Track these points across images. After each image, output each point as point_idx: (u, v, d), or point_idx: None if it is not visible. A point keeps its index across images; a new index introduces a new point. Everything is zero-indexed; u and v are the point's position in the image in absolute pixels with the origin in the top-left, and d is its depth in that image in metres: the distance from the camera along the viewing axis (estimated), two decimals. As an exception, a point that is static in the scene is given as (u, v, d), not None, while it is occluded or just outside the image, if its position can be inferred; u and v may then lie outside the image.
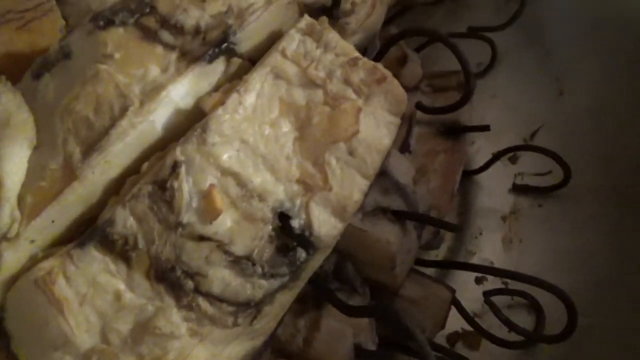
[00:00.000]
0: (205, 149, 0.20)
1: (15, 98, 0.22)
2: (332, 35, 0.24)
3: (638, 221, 0.32)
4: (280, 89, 0.23)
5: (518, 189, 0.39)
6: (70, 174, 0.21)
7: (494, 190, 0.41)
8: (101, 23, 0.22)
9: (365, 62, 0.24)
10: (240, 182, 0.21)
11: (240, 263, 0.20)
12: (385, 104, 0.24)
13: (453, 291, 0.32)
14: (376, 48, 0.31)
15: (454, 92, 0.40)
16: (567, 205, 0.36)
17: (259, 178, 0.21)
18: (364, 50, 0.30)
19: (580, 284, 0.33)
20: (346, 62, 0.24)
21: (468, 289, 0.36)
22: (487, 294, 0.32)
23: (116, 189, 0.21)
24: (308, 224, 0.21)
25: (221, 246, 0.20)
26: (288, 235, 0.21)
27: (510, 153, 0.38)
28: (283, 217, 0.21)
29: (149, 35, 0.23)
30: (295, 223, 0.21)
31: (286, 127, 0.23)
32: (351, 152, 0.23)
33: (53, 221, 0.20)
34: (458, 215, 0.40)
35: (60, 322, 0.19)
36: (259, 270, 0.21)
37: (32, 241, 0.20)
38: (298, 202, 0.22)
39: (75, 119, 0.21)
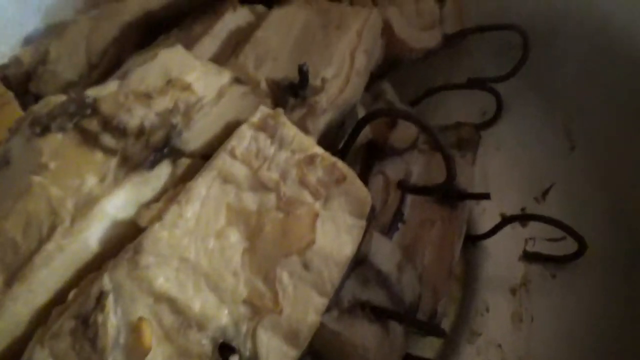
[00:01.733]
0: (137, 273, 0.19)
1: None
2: (287, 130, 0.23)
3: None
4: (228, 195, 0.22)
5: (529, 257, 0.37)
6: None
7: (502, 258, 0.38)
8: (37, 130, 0.21)
9: (324, 159, 0.23)
10: (177, 310, 0.20)
11: None
12: (346, 206, 0.23)
13: None
14: (357, 117, 0.30)
15: (454, 150, 0.38)
16: (583, 276, 0.34)
17: (200, 301, 0.20)
18: (341, 123, 0.28)
19: None
20: (302, 159, 0.23)
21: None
22: None
23: (44, 319, 0.20)
24: (254, 355, 0.20)
25: None
26: None
27: (521, 221, 0.36)
28: (224, 351, 0.19)
29: (89, 140, 0.22)
30: (235, 359, 0.19)
31: (234, 237, 0.22)
32: (306, 266, 0.21)
33: None
34: (462, 288, 0.38)
35: None
36: None
37: None
38: (244, 328, 0.20)
39: (3, 242, 0.20)
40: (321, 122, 0.27)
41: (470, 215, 0.39)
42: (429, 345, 0.35)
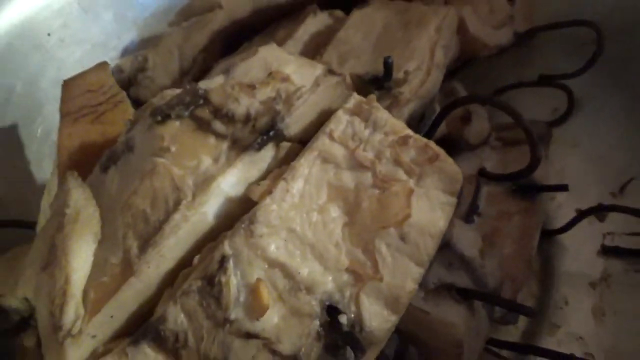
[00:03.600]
0: (253, 241, 0.22)
1: (84, 193, 0.25)
2: (381, 114, 0.25)
3: None
4: (328, 173, 0.24)
5: (608, 252, 0.37)
6: (128, 269, 0.23)
7: (580, 252, 0.39)
8: (159, 118, 0.25)
9: (416, 139, 0.25)
10: (288, 274, 0.22)
11: None
12: (439, 183, 0.25)
13: None
14: (435, 112, 0.33)
15: (526, 145, 0.40)
16: None
17: (307, 268, 0.22)
18: (421, 116, 0.31)
19: None
20: (396, 141, 0.25)
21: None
22: None
23: (171, 281, 0.23)
24: (358, 318, 0.22)
25: (268, 344, 0.21)
26: (337, 332, 0.22)
27: (598, 212, 0.36)
28: (331, 311, 0.22)
29: (203, 126, 0.25)
30: (344, 319, 0.22)
31: (335, 212, 0.24)
32: (403, 238, 0.23)
33: (112, 316, 0.22)
34: (540, 282, 0.39)
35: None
36: None
37: (94, 336, 0.22)
38: (348, 293, 0.22)
39: (134, 214, 0.23)
40: (405, 112, 0.30)
41: (546, 211, 0.40)
42: (507, 336, 0.36)
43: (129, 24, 0.41)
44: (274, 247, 0.22)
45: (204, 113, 0.25)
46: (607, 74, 0.40)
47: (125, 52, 0.41)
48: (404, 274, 0.23)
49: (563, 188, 0.36)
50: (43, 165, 0.37)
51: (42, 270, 0.24)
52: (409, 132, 0.25)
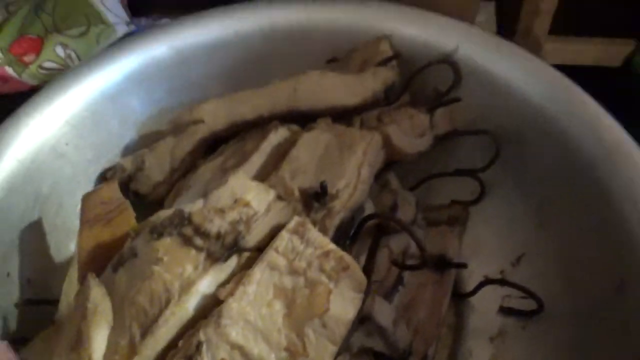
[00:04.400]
0: (220, 330, 0.31)
1: (101, 291, 0.34)
2: (312, 233, 0.35)
3: (607, 343, 0.38)
4: (274, 278, 0.33)
5: (504, 312, 0.46)
6: (133, 350, 0.31)
7: (484, 311, 0.47)
8: (155, 235, 0.34)
9: (335, 253, 0.34)
10: (244, 353, 0.31)
11: None
12: (350, 285, 0.34)
13: None
14: (363, 212, 0.42)
15: (444, 226, 0.50)
16: (547, 328, 0.43)
17: (257, 349, 0.31)
18: (351, 219, 0.40)
19: None
20: (321, 254, 0.34)
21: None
22: None
23: (163, 358, 0.32)
24: None
25: None
26: None
27: (492, 284, 0.45)
28: None
29: (187, 241, 0.34)
30: None
31: (278, 306, 0.32)
32: (324, 325, 0.32)
33: None
34: (453, 335, 0.48)
35: None
36: None
37: None
38: None
39: (137, 309, 0.32)
40: (336, 220, 0.38)
41: (461, 277, 0.49)
42: None
43: (129, 126, 0.50)
44: (235, 334, 0.31)
45: (188, 231, 0.34)
46: (507, 168, 0.48)
47: (127, 149, 0.51)
48: (323, 351, 0.32)
49: (463, 266, 0.47)
50: (61, 250, 0.47)
51: (71, 351, 0.32)
52: (331, 246, 0.34)
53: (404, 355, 0.41)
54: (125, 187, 0.47)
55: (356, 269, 0.34)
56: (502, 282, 0.46)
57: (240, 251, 0.35)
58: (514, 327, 0.46)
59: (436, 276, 0.47)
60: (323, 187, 0.39)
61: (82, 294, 0.35)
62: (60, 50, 0.65)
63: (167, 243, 0.34)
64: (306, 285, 0.33)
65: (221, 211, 0.35)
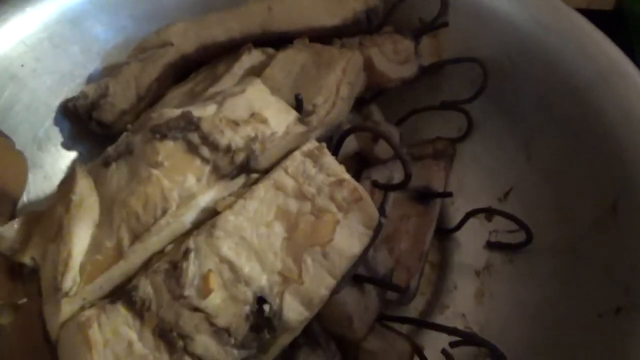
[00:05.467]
0: (211, 241, 0.30)
1: (89, 184, 0.33)
2: (327, 159, 0.33)
3: (591, 274, 0.39)
4: (278, 198, 0.32)
5: (492, 246, 0.47)
6: (119, 253, 0.30)
7: (470, 247, 0.48)
8: (157, 135, 0.32)
9: (349, 183, 0.32)
10: (233, 269, 0.30)
11: (220, 333, 0.29)
12: (360, 219, 0.32)
13: (414, 345, 0.39)
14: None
15: (429, 160, 0.49)
16: (533, 261, 0.43)
17: (249, 267, 0.30)
18: (329, 139, 0.39)
19: (540, 335, 0.40)
20: (334, 182, 0.32)
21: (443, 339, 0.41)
22: (452, 344, 0.38)
23: (149, 263, 0.31)
24: (279, 310, 0.30)
25: (208, 318, 0.29)
26: (260, 317, 0.29)
27: (480, 214, 0.46)
28: (260, 301, 0.29)
29: (192, 149, 0.32)
30: (267, 308, 0.29)
31: (278, 228, 0.31)
32: (325, 255, 0.31)
33: (101, 287, 0.30)
34: (437, 272, 0.48)
35: (88, 357, 0.28)
36: (233, 341, 0.29)
37: (84, 299, 0.30)
38: (275, 290, 0.30)
39: (129, 212, 0.31)
40: (312, 137, 0.36)
41: (446, 213, 0.50)
42: (407, 315, 0.45)
43: (93, 56, 0.48)
44: (227, 248, 0.30)
45: (194, 138, 0.32)
46: (495, 101, 0.48)
47: (90, 79, 0.48)
48: (320, 282, 0.31)
49: (448, 195, 0.47)
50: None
51: (50, 242, 0.31)
52: (346, 176, 0.33)
53: (385, 280, 0.41)
54: (88, 116, 0.45)
55: (369, 203, 0.33)
56: (488, 210, 0.46)
57: (250, 172, 0.33)
58: (500, 261, 0.46)
59: (420, 208, 0.46)
60: (298, 101, 0.37)
61: (67, 184, 0.33)
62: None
63: (170, 146, 0.32)
64: (312, 212, 0.32)
65: (235, 123, 0.33)
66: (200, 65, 0.47)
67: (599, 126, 0.41)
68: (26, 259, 0.33)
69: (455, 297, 0.47)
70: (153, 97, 0.46)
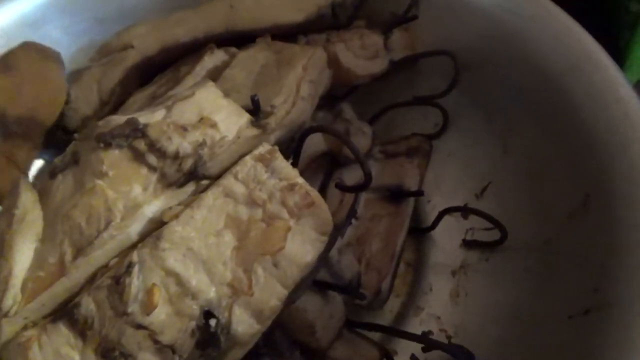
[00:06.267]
0: (156, 254, 0.28)
1: (32, 197, 0.32)
2: (279, 162, 0.32)
3: (563, 272, 0.38)
4: (228, 206, 0.31)
5: (468, 244, 0.46)
6: (61, 270, 0.29)
7: (446, 246, 0.47)
8: (102, 144, 0.31)
9: (301, 187, 0.31)
10: (180, 282, 0.28)
11: (163, 351, 0.28)
12: (313, 224, 0.31)
13: (384, 351, 0.39)
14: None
15: (403, 158, 0.48)
16: (509, 259, 0.43)
17: (196, 279, 0.29)
18: (291, 140, 0.38)
19: (514, 336, 0.39)
20: (285, 186, 0.31)
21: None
22: (424, 350, 0.38)
23: (93, 279, 0.30)
24: (227, 323, 0.29)
25: (152, 335, 0.28)
26: (206, 332, 0.28)
27: (454, 212, 0.45)
28: (207, 315, 0.28)
29: (138, 157, 0.31)
30: (213, 322, 0.28)
31: (228, 237, 0.30)
32: (275, 264, 0.30)
33: (43, 304, 0.29)
34: (413, 272, 0.47)
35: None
36: (177, 358, 0.28)
37: (26, 318, 0.29)
38: (224, 302, 0.29)
39: (72, 225, 0.30)
40: (272, 139, 0.35)
41: (423, 211, 0.49)
42: (381, 319, 0.45)
43: None
44: (173, 260, 0.29)
45: (141, 145, 0.31)
46: (470, 95, 0.47)
47: None
48: (270, 293, 0.30)
49: (419, 194, 0.46)
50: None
51: None
52: (299, 180, 0.31)
53: (351, 286, 0.40)
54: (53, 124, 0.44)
55: (323, 207, 0.32)
56: (463, 209, 0.45)
57: (200, 179, 0.32)
58: (476, 259, 0.45)
59: (392, 208, 0.46)
60: (255, 102, 0.35)
61: (11, 197, 0.32)
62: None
63: (115, 155, 0.31)
64: (263, 219, 0.31)
65: (183, 129, 0.32)
66: (166, 66, 0.46)
67: (572, 118, 0.40)
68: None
69: (431, 299, 0.46)
70: (117, 101, 0.45)
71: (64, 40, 0.48)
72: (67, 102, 0.44)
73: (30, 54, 0.41)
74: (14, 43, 0.45)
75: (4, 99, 0.40)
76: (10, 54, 0.40)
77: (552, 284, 0.39)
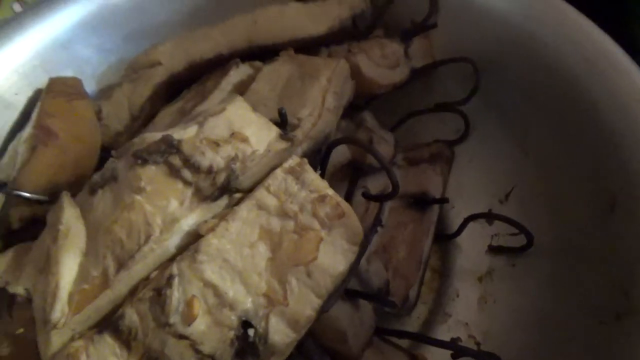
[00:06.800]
0: (195, 266, 0.29)
1: (75, 212, 0.33)
2: (309, 175, 0.33)
3: (591, 277, 0.38)
4: (261, 218, 0.31)
5: (493, 250, 0.46)
6: (105, 282, 0.30)
7: (471, 251, 0.47)
8: (139, 161, 0.32)
9: (332, 198, 0.32)
10: (218, 294, 0.29)
11: None
12: (344, 235, 0.32)
13: (413, 358, 0.39)
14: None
15: (426, 164, 0.49)
16: (535, 264, 0.43)
17: (233, 290, 0.30)
18: (318, 151, 0.39)
19: (543, 342, 0.40)
20: (316, 198, 0.32)
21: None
22: (454, 357, 0.39)
23: (135, 291, 0.31)
24: (265, 333, 0.29)
25: (193, 345, 0.29)
26: (245, 342, 0.29)
27: (479, 218, 0.45)
28: (245, 325, 0.29)
29: (174, 172, 0.32)
30: (252, 332, 0.29)
31: (262, 249, 0.31)
32: (309, 275, 0.31)
33: (89, 316, 0.30)
34: (439, 278, 0.48)
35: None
36: None
37: (73, 329, 0.30)
38: (261, 313, 0.30)
39: (113, 239, 0.31)
40: (299, 151, 0.37)
41: (447, 217, 0.50)
42: (409, 326, 0.46)
43: (87, 78, 0.47)
44: (210, 272, 0.30)
45: (176, 160, 0.32)
46: (488, 99, 0.48)
47: None
48: (305, 303, 0.30)
49: (444, 201, 0.46)
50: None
51: (39, 273, 0.32)
52: (329, 191, 0.32)
53: (380, 294, 0.41)
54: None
55: (353, 217, 0.32)
56: (488, 215, 0.46)
57: (233, 192, 0.33)
58: (503, 265, 0.46)
59: (417, 215, 0.46)
60: (282, 115, 0.36)
61: (54, 213, 0.33)
62: (17, 7, 0.62)
63: (151, 171, 0.32)
64: (296, 230, 0.31)
65: (215, 144, 0.33)
66: (192, 81, 0.47)
67: (592, 118, 0.40)
68: (19, 290, 0.33)
69: (458, 305, 0.46)
70: (146, 116, 0.46)
71: (94, 58, 0.49)
72: (99, 119, 0.45)
73: (60, 104, 0.42)
74: (48, 64, 0.47)
75: (53, 171, 0.40)
76: (46, 116, 0.40)
77: (580, 288, 0.39)
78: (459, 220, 0.47)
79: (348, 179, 0.46)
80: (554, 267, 0.41)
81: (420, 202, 0.46)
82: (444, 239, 0.48)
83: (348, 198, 0.45)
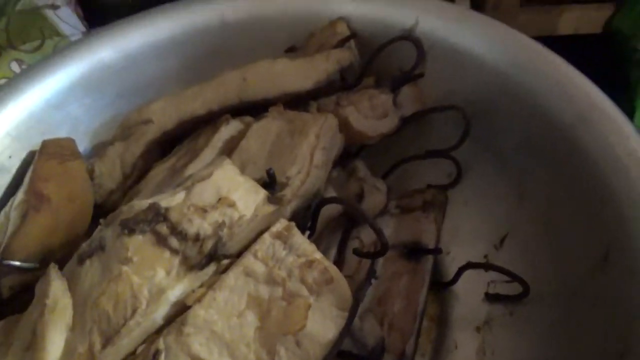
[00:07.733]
0: (181, 339, 0.29)
1: (62, 285, 0.32)
2: (297, 239, 0.32)
3: (588, 329, 0.37)
4: (249, 285, 0.31)
5: (490, 298, 0.45)
6: (91, 359, 0.30)
7: (468, 300, 0.46)
8: (126, 230, 0.32)
9: (319, 263, 0.31)
10: None
11: None
12: (333, 301, 0.31)
13: None
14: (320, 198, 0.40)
15: (419, 212, 0.48)
16: (533, 313, 0.42)
17: None
18: (308, 207, 0.39)
19: None
20: (303, 263, 0.31)
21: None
22: None
23: None
24: None
25: None
26: None
27: (471, 269, 0.44)
28: None
29: (161, 241, 0.31)
30: None
31: (250, 317, 0.30)
32: (298, 344, 0.30)
33: None
34: (437, 327, 0.46)
35: None
36: None
37: None
38: None
39: (100, 313, 0.30)
40: (288, 210, 0.36)
41: (442, 263, 0.49)
42: None
43: (81, 136, 0.48)
44: (197, 345, 0.29)
45: (163, 229, 0.32)
46: (482, 144, 0.48)
47: None
48: None
49: (437, 251, 0.46)
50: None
51: (25, 350, 0.31)
52: (317, 255, 0.32)
53: (375, 353, 0.40)
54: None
55: (342, 282, 0.32)
56: (483, 265, 0.45)
57: (220, 258, 0.33)
58: (501, 313, 0.44)
59: (412, 264, 0.45)
60: (270, 175, 0.36)
61: (42, 285, 0.33)
62: (15, 67, 0.64)
63: (138, 241, 0.31)
64: (284, 297, 0.31)
65: (203, 210, 0.32)
66: (184, 136, 0.48)
67: (584, 166, 0.39)
68: (8, 368, 0.33)
69: (456, 357, 0.45)
70: (139, 173, 0.47)
71: (87, 116, 0.50)
72: (92, 178, 0.45)
73: (53, 167, 0.42)
74: (42, 124, 0.47)
75: (46, 235, 0.39)
76: (38, 180, 0.41)
77: (581, 338, 0.38)
78: (454, 266, 0.46)
79: (342, 228, 0.46)
80: (553, 316, 0.40)
81: (414, 251, 0.46)
82: (440, 286, 0.48)
83: (341, 249, 0.45)
